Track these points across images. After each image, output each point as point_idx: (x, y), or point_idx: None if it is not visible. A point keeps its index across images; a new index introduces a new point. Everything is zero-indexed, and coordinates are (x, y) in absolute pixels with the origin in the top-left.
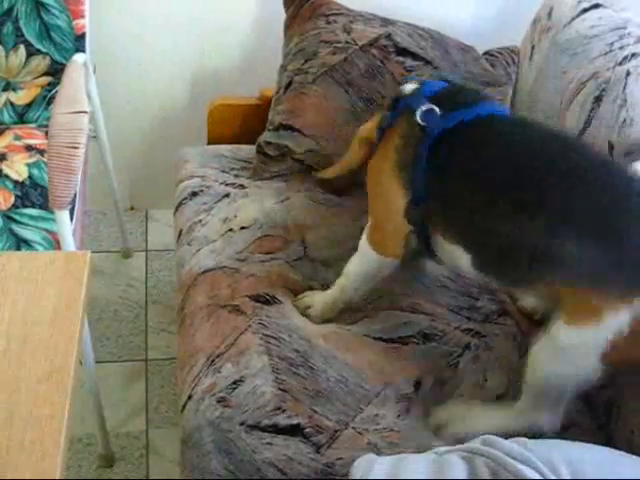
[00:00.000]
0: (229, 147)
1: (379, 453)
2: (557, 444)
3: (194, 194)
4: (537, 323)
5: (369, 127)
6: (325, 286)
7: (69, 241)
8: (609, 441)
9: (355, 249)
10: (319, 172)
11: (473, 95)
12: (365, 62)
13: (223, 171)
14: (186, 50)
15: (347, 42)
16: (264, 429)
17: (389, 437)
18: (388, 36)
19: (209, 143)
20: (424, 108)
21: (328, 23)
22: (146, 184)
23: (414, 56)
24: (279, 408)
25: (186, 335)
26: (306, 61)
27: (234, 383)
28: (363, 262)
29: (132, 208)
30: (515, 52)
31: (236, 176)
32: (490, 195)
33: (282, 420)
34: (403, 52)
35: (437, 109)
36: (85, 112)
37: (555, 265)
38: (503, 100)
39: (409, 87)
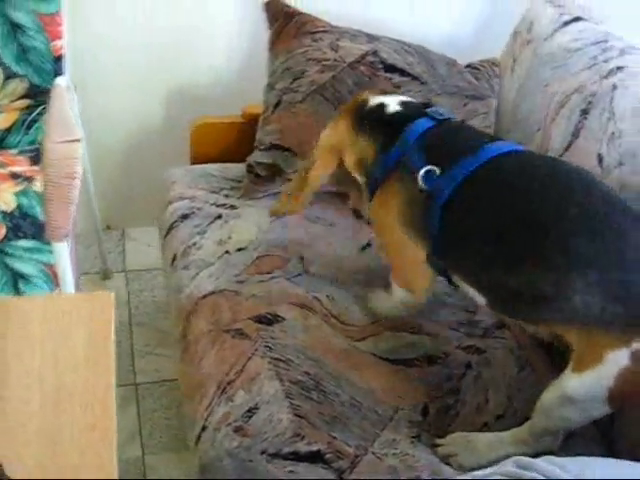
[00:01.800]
0: (216, 166)
1: (399, 477)
2: (588, 462)
3: (185, 216)
4: (535, 338)
5: (334, 136)
6: (332, 298)
7: (68, 274)
8: (610, 450)
9: (354, 267)
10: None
11: (469, 139)
12: (354, 79)
13: (213, 192)
14: (163, 70)
15: (335, 60)
16: (285, 457)
17: (407, 460)
18: (375, 52)
19: (192, 163)
20: (423, 172)
21: (314, 41)
22: (123, 203)
23: (402, 72)
24: (298, 435)
25: (191, 363)
26: (294, 80)
27: (249, 411)
28: (394, 299)
29: (108, 227)
30: (496, 64)
31: (226, 196)
32: (496, 243)
33: (302, 447)
34: (391, 68)
35: (437, 170)
36: (78, 140)
37: (559, 309)
38: (488, 113)
39: (392, 106)
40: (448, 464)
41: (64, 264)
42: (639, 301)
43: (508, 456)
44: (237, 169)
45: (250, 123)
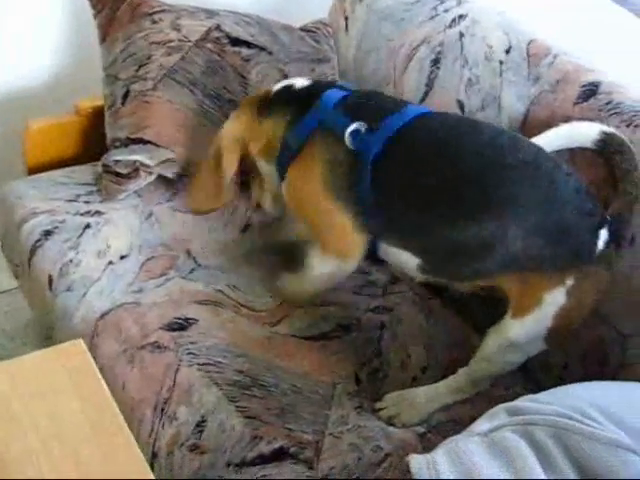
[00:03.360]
0: (61, 172)
1: (361, 452)
2: (564, 391)
3: (48, 233)
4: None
5: (237, 127)
6: (234, 287)
7: None
8: (531, 379)
9: (242, 249)
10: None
11: (390, 101)
12: (203, 58)
13: (70, 200)
14: None
15: (180, 40)
16: (252, 463)
17: (361, 432)
18: (218, 27)
19: (30, 172)
20: (350, 130)
21: (154, 22)
22: None
23: (248, 44)
24: (256, 437)
25: (112, 391)
26: (140, 67)
27: (198, 425)
28: (325, 272)
29: None
30: (328, 25)
31: (87, 202)
32: (430, 200)
33: (264, 448)
34: (237, 42)
35: (362, 127)
36: None
37: (498, 257)
38: (334, 75)
39: (299, 84)
40: (393, 425)
41: None
42: (573, 239)
43: (446, 405)
44: (86, 171)
45: (86, 118)
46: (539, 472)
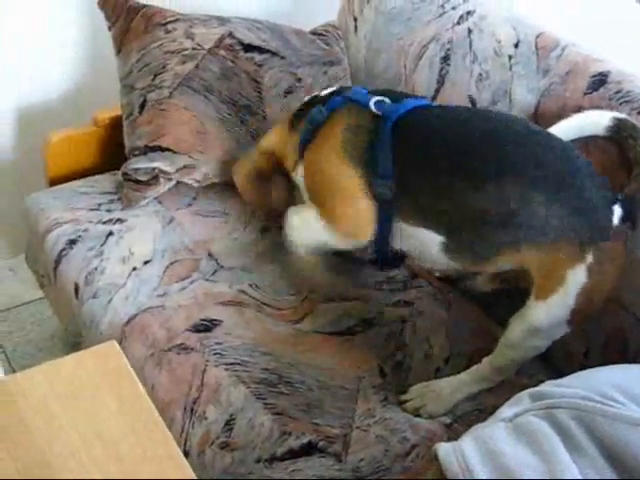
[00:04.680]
0: (81, 182)
1: (388, 443)
2: (586, 375)
3: (72, 242)
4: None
5: (271, 139)
6: (257, 287)
7: None
8: (551, 364)
9: (262, 249)
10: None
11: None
12: (217, 65)
13: (92, 209)
14: None
15: (194, 48)
16: (282, 458)
17: (388, 425)
18: (230, 34)
19: (51, 184)
20: (375, 99)
21: (168, 32)
22: None
23: (260, 50)
24: (285, 432)
25: None
26: (156, 76)
27: (227, 424)
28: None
29: None
30: (337, 27)
31: (108, 211)
32: (451, 164)
33: (293, 443)
34: (249, 48)
35: (387, 99)
36: None
37: (522, 226)
38: (346, 76)
39: (325, 91)
40: (419, 416)
41: None
42: (591, 211)
43: (471, 395)
44: (106, 180)
45: (104, 129)
46: (564, 453)
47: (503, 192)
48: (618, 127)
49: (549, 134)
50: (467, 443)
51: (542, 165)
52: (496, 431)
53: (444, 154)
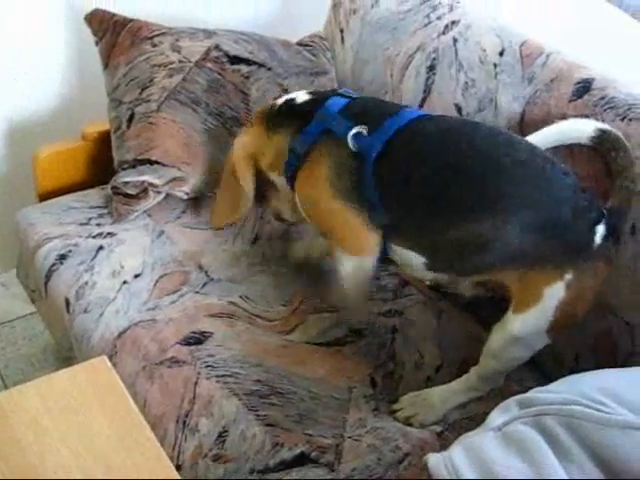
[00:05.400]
0: (71, 197)
1: (381, 452)
2: (573, 379)
3: (62, 257)
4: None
5: (248, 143)
6: (247, 298)
7: None
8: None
9: (253, 260)
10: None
11: (389, 105)
12: (204, 78)
13: (82, 224)
14: None
15: (180, 61)
16: (275, 469)
17: (380, 434)
18: (217, 47)
19: (41, 199)
20: (352, 133)
21: (154, 46)
22: None
23: (247, 62)
24: (277, 444)
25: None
26: (143, 89)
27: (220, 436)
28: (349, 271)
29: None
30: (324, 38)
31: (98, 225)
32: (429, 198)
33: (286, 454)
34: (236, 60)
35: (364, 130)
36: None
37: (496, 253)
38: (333, 87)
39: (301, 97)
40: (410, 425)
41: None
42: (570, 235)
43: (461, 404)
44: (96, 194)
45: (93, 143)
46: (553, 460)
47: (480, 225)
48: (601, 138)
49: (533, 153)
50: (457, 452)
51: (519, 196)
52: (485, 440)
53: (422, 191)
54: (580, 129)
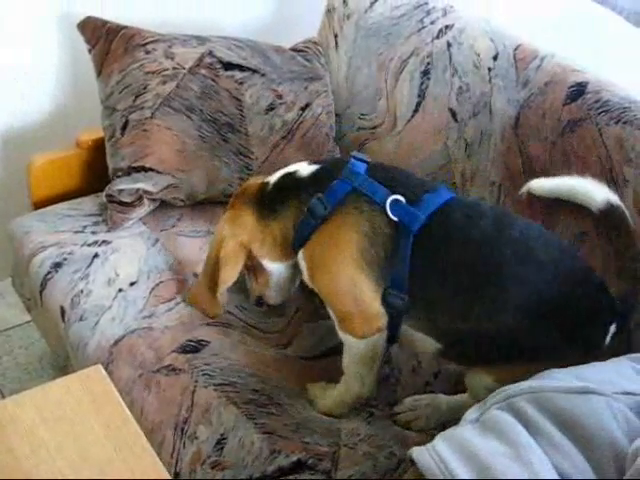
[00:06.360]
0: (65, 205)
1: (376, 459)
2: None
3: (57, 265)
4: None
5: (239, 233)
6: (242, 308)
7: None
8: None
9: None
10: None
11: (414, 176)
12: (198, 84)
13: (77, 232)
14: None
15: (174, 68)
16: (272, 476)
17: (374, 441)
18: (210, 53)
19: (35, 207)
20: (391, 199)
21: (148, 53)
22: None
23: (240, 68)
24: (274, 451)
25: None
26: (137, 97)
27: (218, 443)
28: (354, 352)
29: None
30: (317, 43)
31: (93, 233)
32: (471, 288)
33: (283, 461)
34: (229, 66)
35: (402, 199)
36: None
37: (519, 349)
38: (327, 91)
39: (305, 168)
40: (409, 429)
41: None
42: (586, 333)
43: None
44: (90, 202)
45: (88, 151)
46: (527, 437)
47: (510, 320)
48: (607, 215)
49: (561, 252)
50: (441, 444)
51: (545, 298)
52: (466, 432)
53: (459, 277)
54: (592, 196)
